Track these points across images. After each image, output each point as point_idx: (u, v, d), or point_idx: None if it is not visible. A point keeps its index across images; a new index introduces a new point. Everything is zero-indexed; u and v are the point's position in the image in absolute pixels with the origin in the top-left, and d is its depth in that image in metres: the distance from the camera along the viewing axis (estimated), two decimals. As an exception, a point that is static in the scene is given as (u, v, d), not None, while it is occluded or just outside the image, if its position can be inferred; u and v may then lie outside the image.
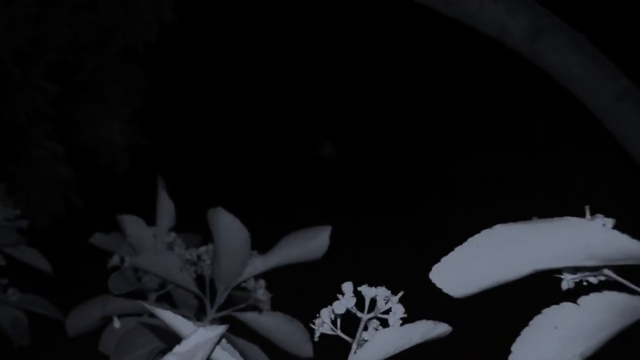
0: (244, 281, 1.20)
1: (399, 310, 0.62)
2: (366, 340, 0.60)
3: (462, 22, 1.46)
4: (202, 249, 1.22)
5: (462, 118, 6.12)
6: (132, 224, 1.24)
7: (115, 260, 1.30)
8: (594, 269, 0.62)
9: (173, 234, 1.28)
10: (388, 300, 0.62)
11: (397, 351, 0.58)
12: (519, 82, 5.91)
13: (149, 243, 1.26)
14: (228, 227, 1.13)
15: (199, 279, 1.24)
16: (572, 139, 5.84)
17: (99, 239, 1.33)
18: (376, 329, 0.61)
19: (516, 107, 6.06)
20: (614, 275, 0.60)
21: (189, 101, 5.73)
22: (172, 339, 0.54)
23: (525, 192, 5.71)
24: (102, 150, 3.69)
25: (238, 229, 1.14)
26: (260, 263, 1.21)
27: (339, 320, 0.63)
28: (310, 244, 1.19)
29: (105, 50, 3.90)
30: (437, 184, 5.87)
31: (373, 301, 0.63)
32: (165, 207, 1.28)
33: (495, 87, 6.11)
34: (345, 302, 0.62)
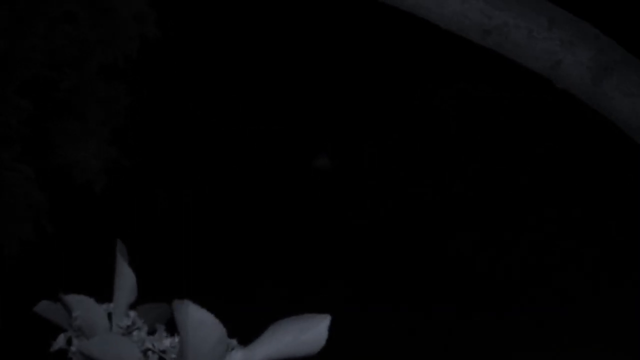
0: (219, 379, 0.96)
1: None
2: None
3: (504, 55, 1.19)
4: (167, 342, 0.98)
5: (461, 133, 5.93)
6: (79, 305, 1.00)
7: (60, 342, 1.05)
8: None
9: (133, 314, 1.03)
10: None
11: None
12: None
13: (102, 325, 1.02)
14: (199, 324, 0.91)
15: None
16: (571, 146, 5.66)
17: (45, 308, 1.09)
18: None
19: (515, 114, 5.88)
20: None
21: (174, 118, 5.51)
22: None
23: (528, 208, 5.54)
24: (76, 173, 3.46)
25: (211, 326, 0.91)
26: (241, 358, 0.98)
27: None
28: (304, 336, 0.96)
29: (84, 66, 3.68)
30: (436, 199, 5.68)
31: None
32: (125, 280, 1.04)
33: (492, 98, 5.94)
34: None
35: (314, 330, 0.94)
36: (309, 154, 5.87)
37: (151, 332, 1.06)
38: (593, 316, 4.70)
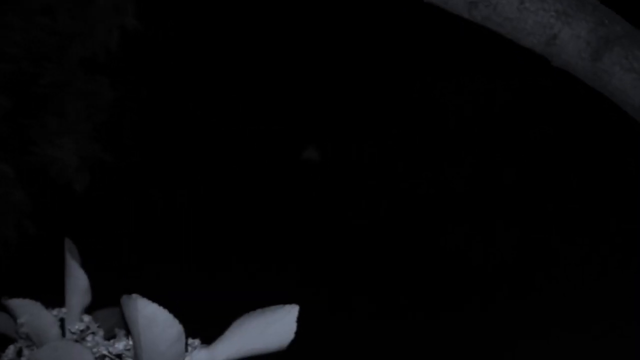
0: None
1: None
2: None
3: (492, 30, 1.08)
4: (121, 345, 0.89)
5: (452, 124, 5.85)
6: (24, 310, 0.91)
7: (9, 354, 0.96)
8: None
9: (87, 318, 0.94)
10: None
11: None
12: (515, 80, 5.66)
13: (52, 331, 0.93)
14: (151, 321, 0.82)
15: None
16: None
17: (-6, 319, 1.00)
18: None
19: (509, 106, 5.80)
20: None
21: (159, 112, 5.41)
22: None
23: (521, 201, 5.48)
24: (54, 171, 3.37)
25: (165, 323, 0.82)
26: (204, 357, 0.89)
27: None
28: (272, 329, 0.88)
29: (63, 60, 3.58)
30: (427, 191, 5.61)
31: None
32: (76, 282, 0.95)
33: (487, 89, 5.85)
34: None
35: (281, 322, 0.87)
36: (302, 152, 5.79)
37: (111, 337, 0.98)
38: (589, 309, 4.65)
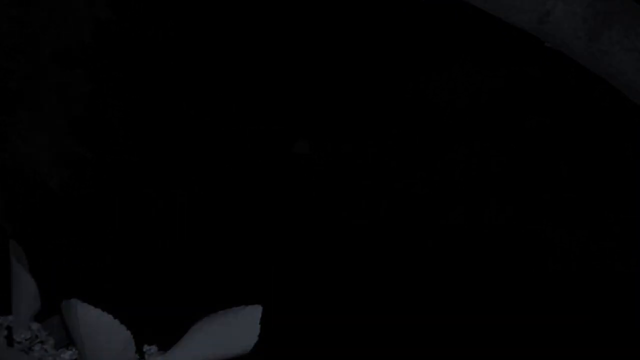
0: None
1: None
2: None
3: (479, 9, 1.00)
4: (66, 355, 0.83)
5: (443, 118, 5.82)
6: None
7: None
8: None
9: (35, 326, 0.88)
10: None
11: None
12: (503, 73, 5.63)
13: (-2, 341, 0.87)
14: (93, 327, 0.77)
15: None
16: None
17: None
18: None
19: (501, 100, 5.77)
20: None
21: (141, 104, 5.34)
22: None
23: (512, 189, 5.46)
24: (29, 168, 3.31)
25: (110, 330, 0.78)
26: (161, 366, 0.84)
27: None
28: (233, 332, 0.84)
29: (37, 53, 3.52)
30: (419, 185, 5.58)
31: None
32: (24, 288, 0.89)
33: (476, 85, 5.83)
34: None
35: (243, 324, 0.82)
36: (292, 145, 5.73)
37: (65, 346, 0.92)
38: (586, 303, 4.64)
